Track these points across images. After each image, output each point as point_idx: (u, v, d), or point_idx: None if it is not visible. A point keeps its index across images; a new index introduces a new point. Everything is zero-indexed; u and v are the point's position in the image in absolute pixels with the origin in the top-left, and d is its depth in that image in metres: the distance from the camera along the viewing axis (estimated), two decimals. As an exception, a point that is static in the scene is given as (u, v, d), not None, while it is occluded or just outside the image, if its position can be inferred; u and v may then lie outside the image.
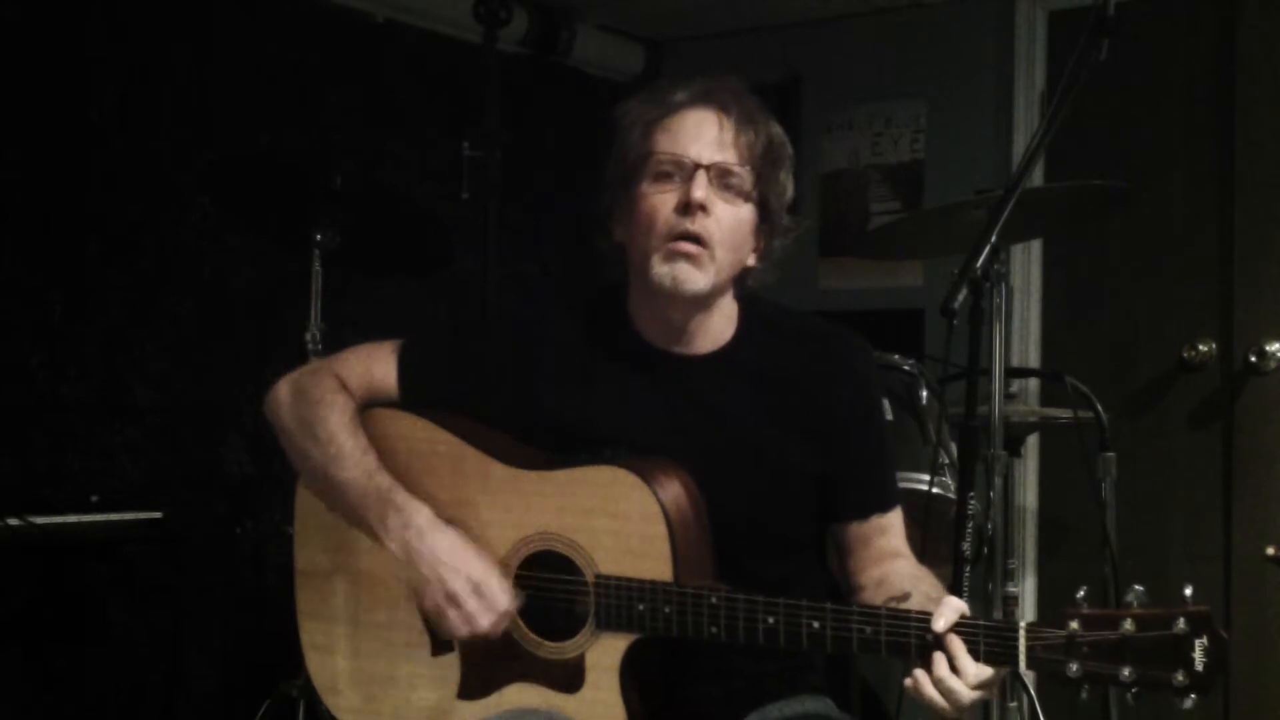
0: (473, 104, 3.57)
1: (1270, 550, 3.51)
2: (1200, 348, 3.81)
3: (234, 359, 3.63)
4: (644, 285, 1.87)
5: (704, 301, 1.88)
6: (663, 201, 1.83)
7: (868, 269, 4.34)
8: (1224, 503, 3.78)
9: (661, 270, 1.83)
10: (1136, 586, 1.58)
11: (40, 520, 2.87)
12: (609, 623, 1.81)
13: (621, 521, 1.80)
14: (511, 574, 1.88)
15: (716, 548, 1.84)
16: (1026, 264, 4.11)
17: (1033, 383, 3.98)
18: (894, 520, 1.96)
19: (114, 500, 3.07)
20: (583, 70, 4.58)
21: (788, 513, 1.92)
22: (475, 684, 1.91)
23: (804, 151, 4.44)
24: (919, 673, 1.64)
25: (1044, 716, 2.97)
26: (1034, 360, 4.10)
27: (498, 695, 1.89)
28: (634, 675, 1.82)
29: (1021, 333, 4.10)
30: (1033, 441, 4.03)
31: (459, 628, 1.84)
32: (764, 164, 1.86)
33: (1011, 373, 3.31)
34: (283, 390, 2.03)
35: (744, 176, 1.84)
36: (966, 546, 1.87)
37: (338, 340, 2.41)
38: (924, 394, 2.92)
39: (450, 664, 1.94)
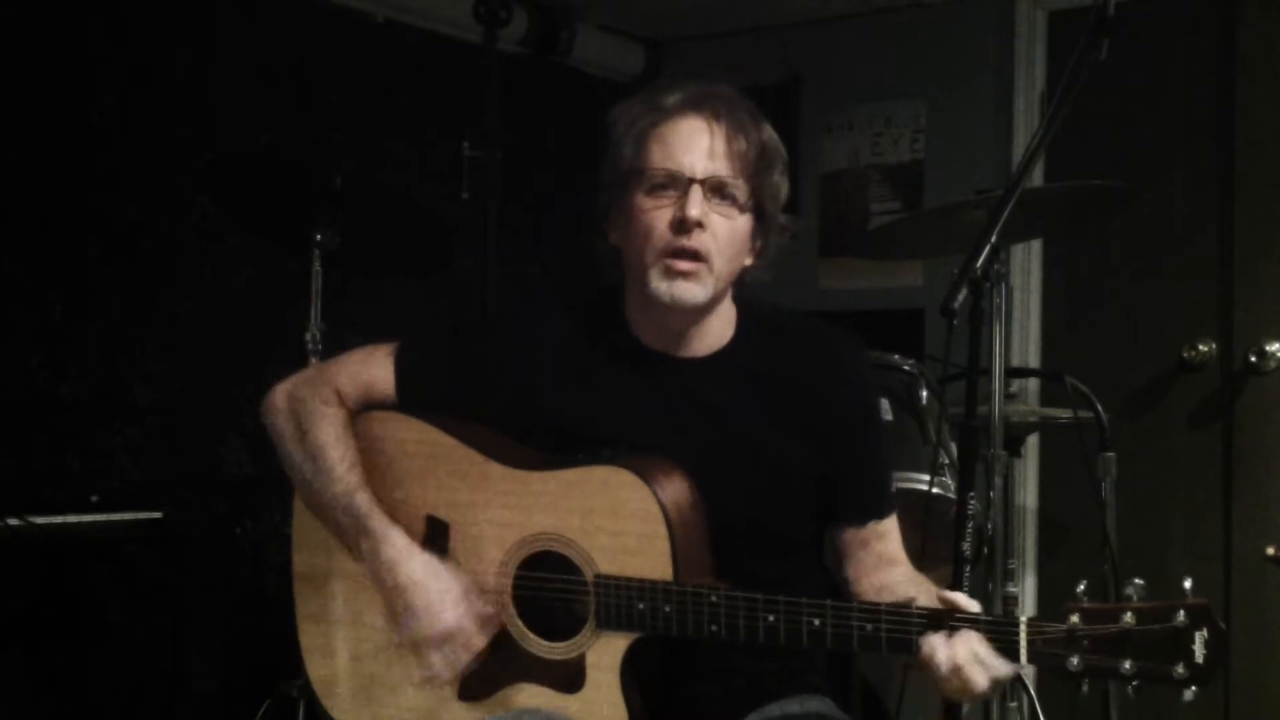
0: (473, 104, 3.57)
1: (1270, 550, 3.52)
2: (1200, 348, 3.81)
3: (234, 359, 3.63)
4: (641, 293, 1.88)
5: (703, 310, 1.88)
6: (658, 216, 1.83)
7: (868, 269, 4.34)
8: (1224, 503, 3.78)
9: (660, 286, 1.83)
10: (1136, 580, 1.58)
11: (40, 520, 2.87)
12: (609, 622, 1.81)
13: (621, 521, 1.80)
14: (511, 574, 1.89)
15: (716, 548, 1.84)
16: (1026, 264, 4.11)
17: (1033, 383, 3.98)
18: (891, 526, 1.97)
19: (114, 500, 3.07)
20: (583, 70, 4.58)
21: (787, 512, 1.92)
22: (475, 685, 1.91)
23: (804, 151, 4.47)
24: (938, 637, 1.63)
25: (1044, 716, 2.97)
26: (1034, 360, 4.10)
27: (498, 696, 1.89)
28: (634, 674, 1.82)
29: (1021, 333, 4.10)
30: (1033, 441, 4.03)
31: (422, 666, 1.87)
32: (758, 170, 1.85)
33: (1011, 373, 3.31)
34: (278, 398, 2.03)
35: (738, 187, 1.83)
36: (966, 546, 1.87)
37: (338, 340, 2.41)
38: (924, 394, 2.92)
39: (450, 664, 1.94)
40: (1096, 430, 3.13)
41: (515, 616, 1.88)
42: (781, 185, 1.90)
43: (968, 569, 1.88)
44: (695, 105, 1.84)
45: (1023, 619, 1.60)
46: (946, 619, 1.64)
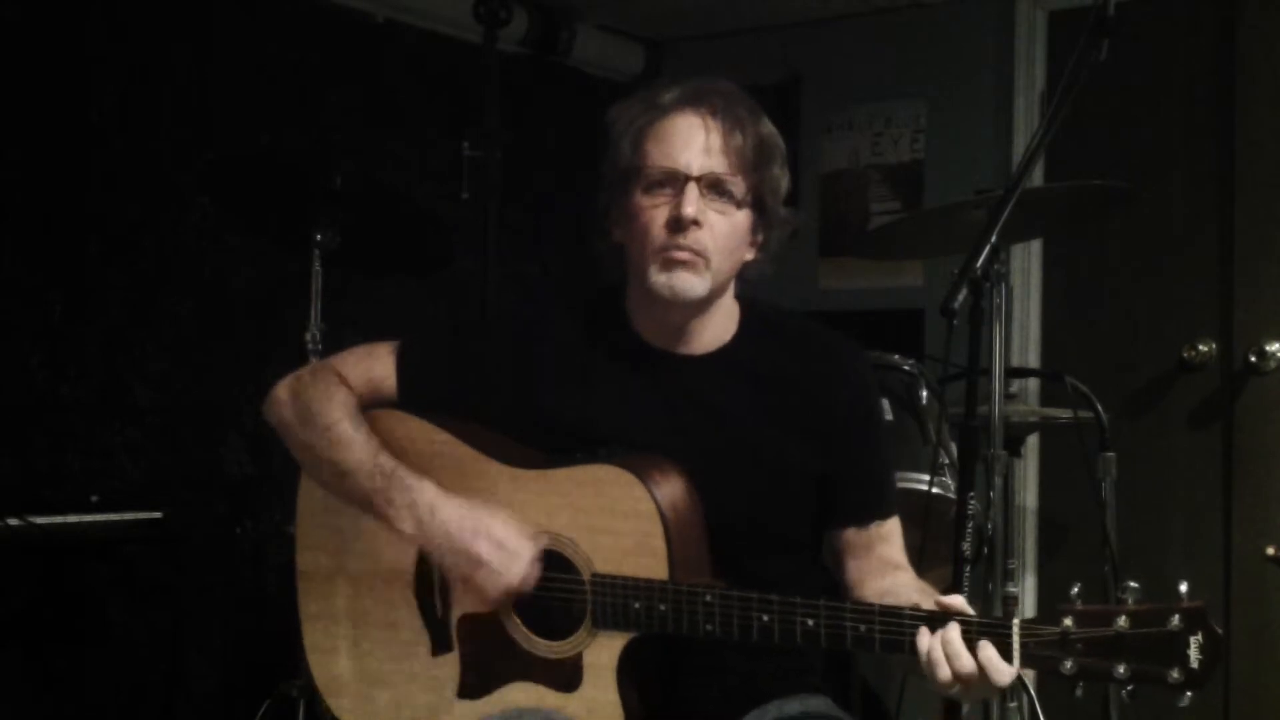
0: (473, 104, 3.57)
1: (1270, 550, 3.52)
2: (1200, 348, 3.81)
3: (234, 359, 3.63)
4: (642, 288, 1.88)
5: (703, 304, 1.88)
6: (656, 213, 1.83)
7: (868, 269, 4.34)
8: (1224, 503, 3.78)
9: (659, 279, 1.83)
10: (1131, 583, 1.58)
11: (40, 520, 2.87)
12: (606, 621, 1.81)
13: (617, 520, 1.80)
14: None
15: (715, 547, 1.84)
16: (1026, 264, 4.11)
17: (1033, 383, 3.98)
18: (893, 529, 1.97)
19: (114, 500, 3.07)
20: (583, 70, 4.59)
21: (786, 512, 1.92)
22: (474, 683, 1.92)
23: (804, 151, 4.47)
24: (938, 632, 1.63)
25: (1044, 716, 2.97)
26: (1034, 360, 4.10)
27: (496, 694, 1.90)
28: (631, 673, 1.82)
29: (1021, 333, 4.10)
30: (1033, 441, 4.03)
31: (490, 590, 1.83)
32: (756, 165, 1.85)
33: (1011, 373, 3.31)
34: (282, 391, 2.04)
35: (736, 183, 1.83)
36: (966, 546, 1.87)
37: (338, 340, 2.41)
38: (924, 394, 2.92)
39: (449, 663, 1.94)
40: (1096, 430, 3.13)
41: (513, 615, 1.88)
42: (781, 179, 1.90)
43: (968, 569, 1.88)
44: (692, 102, 1.85)
45: (1016, 621, 1.60)
46: (939, 620, 1.64)
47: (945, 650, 1.61)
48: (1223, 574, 3.74)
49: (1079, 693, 1.58)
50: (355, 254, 3.03)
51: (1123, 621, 1.55)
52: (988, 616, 1.65)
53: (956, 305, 1.81)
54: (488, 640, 1.89)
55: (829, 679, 2.02)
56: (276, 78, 3.77)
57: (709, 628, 1.75)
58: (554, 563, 1.86)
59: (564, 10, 4.38)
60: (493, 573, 1.83)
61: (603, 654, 1.82)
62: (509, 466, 1.90)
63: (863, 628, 1.67)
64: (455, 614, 1.93)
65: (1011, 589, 2.94)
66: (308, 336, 2.95)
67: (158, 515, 3.09)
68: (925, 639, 1.63)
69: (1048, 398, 3.87)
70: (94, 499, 3.03)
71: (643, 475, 1.80)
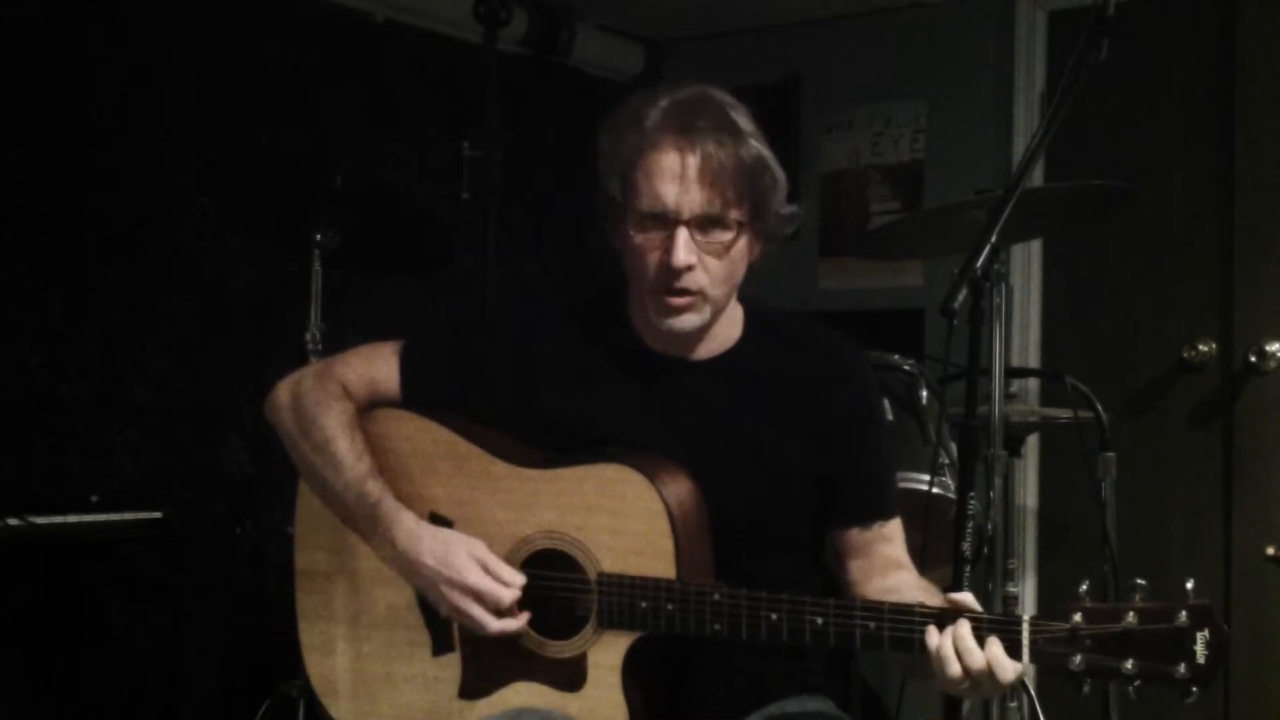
0: (473, 104, 3.57)
1: (1270, 550, 3.53)
2: (1200, 348, 3.81)
3: (234, 359, 3.62)
4: (643, 308, 1.88)
5: (707, 324, 1.88)
6: (650, 253, 1.82)
7: (868, 269, 4.34)
8: (1224, 503, 3.78)
9: (659, 322, 1.84)
10: (1139, 580, 1.58)
11: (40, 520, 2.86)
12: (611, 621, 1.81)
13: (624, 519, 1.80)
14: (513, 573, 1.89)
15: (716, 547, 1.84)
16: (1026, 264, 4.11)
17: (1033, 383, 3.98)
18: (896, 530, 1.96)
19: (114, 500, 3.06)
20: (583, 70, 4.58)
21: (787, 513, 1.92)
22: (476, 683, 1.91)
23: (804, 151, 4.48)
24: (947, 629, 1.62)
25: (1044, 716, 2.97)
26: (1034, 360, 4.10)
27: (499, 695, 1.90)
28: (636, 673, 1.82)
29: (1021, 333, 4.10)
30: (1033, 441, 4.03)
31: (478, 628, 1.85)
32: (746, 193, 1.81)
33: (1011, 373, 3.31)
34: (283, 393, 2.04)
35: (728, 217, 1.81)
36: (966, 546, 1.87)
37: (338, 340, 2.41)
38: (924, 394, 2.92)
39: (451, 664, 1.94)
40: (1096, 430, 3.13)
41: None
42: (773, 189, 1.86)
43: (968, 569, 1.88)
44: (675, 129, 1.79)
45: (1025, 617, 1.60)
46: (949, 617, 1.64)
47: (956, 646, 1.61)
48: (1223, 574, 3.74)
49: (1086, 689, 1.58)
50: (355, 254, 3.03)
51: (1131, 618, 1.55)
52: (993, 614, 1.65)
53: (956, 305, 1.81)
54: (490, 640, 1.88)
55: (829, 679, 2.02)
56: (276, 78, 3.76)
57: (717, 627, 1.75)
58: (559, 562, 1.86)
59: (564, 10, 4.37)
60: (475, 616, 1.84)
61: (608, 654, 1.82)
62: (513, 465, 1.90)
63: (872, 625, 1.68)
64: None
65: (1011, 589, 2.94)
66: (308, 336, 2.95)
67: (158, 515, 3.09)
68: (935, 636, 1.63)
69: (1048, 398, 3.87)
70: (94, 499, 3.03)
71: (651, 475, 1.80)
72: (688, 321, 1.84)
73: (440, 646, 1.94)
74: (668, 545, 1.78)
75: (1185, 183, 3.87)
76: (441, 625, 1.94)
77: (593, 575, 1.82)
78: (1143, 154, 3.91)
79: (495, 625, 1.83)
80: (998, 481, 2.75)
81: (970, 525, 1.88)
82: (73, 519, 2.95)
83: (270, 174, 3.05)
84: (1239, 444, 3.76)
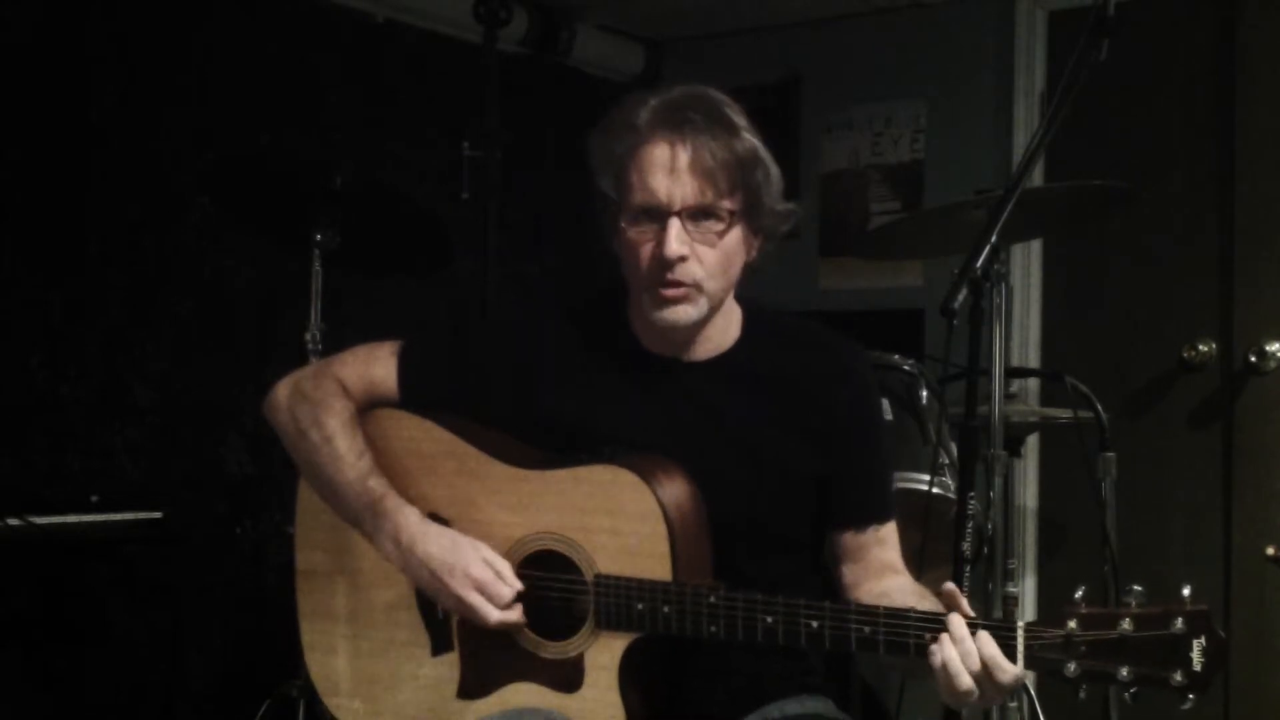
0: (473, 104, 3.57)
1: (1270, 550, 3.52)
2: (1200, 348, 3.81)
3: (234, 359, 3.63)
4: (640, 307, 1.88)
5: (703, 323, 1.88)
6: (644, 247, 1.82)
7: (868, 269, 4.34)
8: (1224, 503, 3.78)
9: (655, 315, 1.84)
10: (1135, 586, 1.58)
11: (40, 520, 2.86)
12: (608, 622, 1.81)
13: (621, 520, 1.80)
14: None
15: (715, 548, 1.84)
16: (1026, 264, 4.11)
17: (1033, 383, 3.98)
18: (890, 533, 1.97)
19: (114, 500, 3.06)
20: (583, 70, 4.58)
21: (786, 513, 1.92)
22: (475, 683, 1.92)
23: (804, 151, 4.47)
24: (944, 637, 1.62)
25: (1044, 717, 2.97)
26: (1034, 360, 4.10)
27: (497, 695, 1.90)
28: (633, 674, 1.82)
29: (1021, 333, 4.10)
30: (1033, 441, 4.03)
31: (479, 619, 1.85)
32: (738, 183, 1.81)
33: (1011, 373, 3.31)
34: (281, 392, 2.04)
35: (719, 206, 1.81)
36: (966, 546, 1.87)
37: (338, 340, 2.41)
38: (924, 394, 2.92)
39: (450, 664, 1.94)
40: (1096, 430, 3.13)
41: (515, 615, 1.89)
42: (766, 182, 1.86)
43: (968, 569, 1.88)
44: (666, 124, 1.80)
45: (1020, 624, 1.60)
46: (944, 622, 1.64)
47: (959, 649, 1.61)
48: (1223, 574, 3.74)
49: (1082, 695, 1.58)
50: (355, 254, 3.03)
51: (1127, 624, 1.55)
52: (990, 619, 1.65)
53: (956, 305, 1.81)
54: (488, 640, 1.88)
55: (829, 680, 2.02)
56: (276, 78, 3.76)
57: (713, 629, 1.75)
58: (556, 563, 1.86)
59: (564, 10, 4.37)
60: (475, 609, 1.84)
61: (605, 655, 1.82)
62: (511, 466, 1.90)
63: (867, 629, 1.67)
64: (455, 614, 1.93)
65: (1011, 589, 2.93)
66: (308, 336, 2.96)
67: (158, 515, 3.09)
68: (938, 653, 1.62)
69: (1048, 398, 3.87)
70: (94, 499, 3.02)
71: (647, 476, 1.80)
72: (683, 313, 1.83)
73: (439, 646, 1.95)
74: (664, 547, 1.78)
75: (1185, 183, 3.87)
76: (440, 625, 1.94)
77: (590, 576, 1.82)
78: (1143, 154, 3.91)
79: (497, 616, 1.84)
80: (998, 481, 2.74)
81: (970, 525, 1.88)
82: (73, 519, 2.95)
83: (270, 174, 3.05)
84: (1239, 444, 3.76)
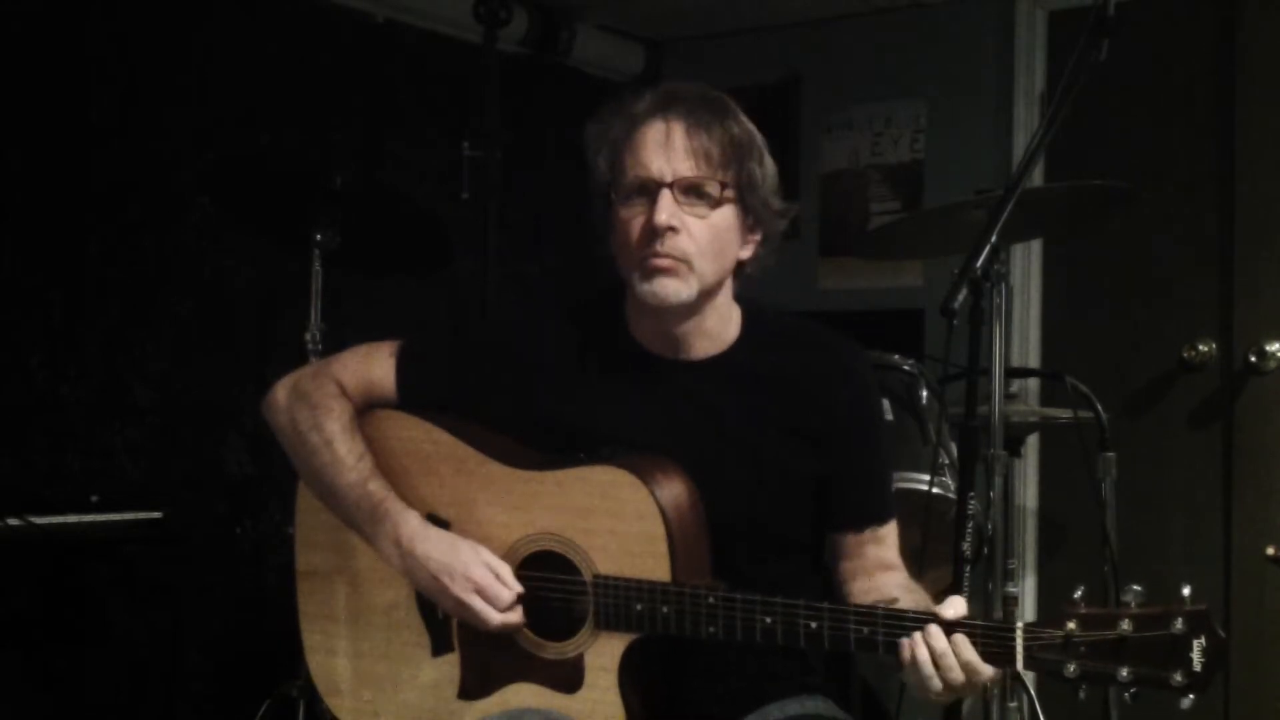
0: (473, 104, 3.57)
1: (1270, 550, 3.52)
2: (1200, 348, 3.81)
3: (234, 359, 3.63)
4: (635, 297, 1.88)
5: (695, 307, 1.88)
6: (635, 223, 1.83)
7: (868, 269, 4.34)
8: (1224, 503, 3.78)
9: (644, 288, 1.84)
10: (1134, 586, 1.58)
11: (40, 520, 2.86)
12: (607, 622, 1.81)
13: (620, 521, 1.80)
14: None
15: (714, 548, 1.84)
16: (1026, 264, 4.11)
17: (1033, 383, 3.98)
18: (889, 532, 1.97)
19: (114, 500, 3.06)
20: (583, 70, 4.58)
21: (786, 514, 1.92)
22: (475, 684, 1.92)
23: (804, 151, 4.47)
24: (917, 637, 1.64)
25: (1044, 717, 2.97)
26: (1034, 360, 4.10)
27: (497, 695, 1.90)
28: (633, 675, 1.82)
29: (1021, 333, 4.10)
30: (1033, 441, 4.03)
31: (480, 622, 1.85)
32: (729, 163, 1.83)
33: (1011, 373, 3.31)
34: (280, 393, 2.04)
35: (711, 184, 1.82)
36: (966, 546, 1.87)
37: (338, 340, 2.41)
38: (924, 394, 2.92)
39: (450, 664, 1.94)
40: (1096, 430, 3.13)
41: (515, 615, 1.89)
42: (760, 173, 1.87)
43: (968, 569, 1.88)
44: (660, 109, 1.83)
45: (1019, 625, 1.60)
46: (943, 623, 1.64)
47: (940, 661, 1.62)
48: (1223, 574, 3.74)
49: (1082, 695, 1.58)
50: (355, 254, 3.03)
51: (1126, 625, 1.55)
52: (990, 619, 1.65)
53: (956, 305, 1.81)
54: (488, 641, 1.88)
55: (829, 680, 2.02)
56: (276, 78, 3.76)
57: (711, 629, 1.75)
58: (555, 564, 1.86)
59: (564, 10, 4.37)
60: (474, 613, 1.85)
61: (605, 655, 1.82)
62: (510, 467, 1.90)
63: (865, 630, 1.68)
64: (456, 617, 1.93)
65: (1011, 589, 2.93)
66: (308, 336, 2.96)
67: (158, 515, 3.09)
68: (908, 650, 1.64)
69: (1048, 398, 3.87)
70: (94, 499, 3.02)
71: (645, 476, 1.80)
72: (671, 288, 1.82)
73: (440, 647, 1.95)
74: (662, 547, 1.78)
75: (1185, 183, 3.87)
76: (440, 626, 1.94)
77: (589, 577, 1.82)
78: (1143, 154, 3.91)
79: (497, 619, 1.84)
80: (998, 481, 2.74)
81: (970, 525, 1.88)
82: (73, 519, 2.95)
83: (270, 174, 3.05)
84: (1239, 444, 3.76)
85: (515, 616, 1.86)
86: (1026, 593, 4.02)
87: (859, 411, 1.94)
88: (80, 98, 3.37)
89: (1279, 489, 3.69)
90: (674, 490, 1.81)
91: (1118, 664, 1.55)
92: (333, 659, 2.03)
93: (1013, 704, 2.86)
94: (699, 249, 1.82)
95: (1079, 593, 1.59)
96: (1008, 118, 4.14)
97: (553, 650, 1.86)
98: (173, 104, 3.54)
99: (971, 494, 1.88)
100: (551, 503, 1.86)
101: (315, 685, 2.06)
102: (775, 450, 1.89)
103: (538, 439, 1.93)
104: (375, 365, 2.01)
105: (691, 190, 1.82)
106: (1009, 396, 3.24)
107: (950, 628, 1.63)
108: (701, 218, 1.82)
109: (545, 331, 1.97)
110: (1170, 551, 3.84)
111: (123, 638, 3.34)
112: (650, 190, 1.82)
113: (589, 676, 1.83)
